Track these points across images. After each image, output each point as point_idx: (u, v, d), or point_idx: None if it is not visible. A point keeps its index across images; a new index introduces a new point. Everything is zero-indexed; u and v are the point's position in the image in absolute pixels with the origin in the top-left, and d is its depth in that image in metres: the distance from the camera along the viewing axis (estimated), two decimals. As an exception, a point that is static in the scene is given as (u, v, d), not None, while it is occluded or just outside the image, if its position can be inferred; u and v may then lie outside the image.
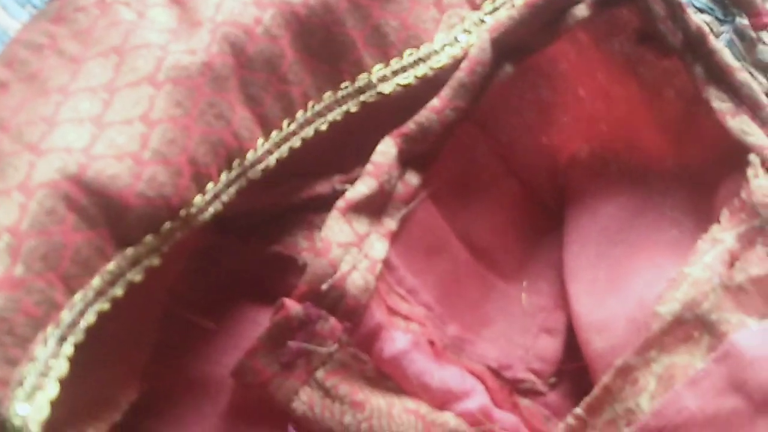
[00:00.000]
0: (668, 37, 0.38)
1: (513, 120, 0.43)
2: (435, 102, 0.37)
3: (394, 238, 0.36)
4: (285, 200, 0.37)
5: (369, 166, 0.36)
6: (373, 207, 0.36)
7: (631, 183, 0.43)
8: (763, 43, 0.45)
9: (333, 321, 0.34)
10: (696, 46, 0.38)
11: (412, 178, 0.37)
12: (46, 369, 0.27)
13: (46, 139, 0.30)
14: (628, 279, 0.38)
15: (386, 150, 0.36)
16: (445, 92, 0.37)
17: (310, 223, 0.37)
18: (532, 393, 0.39)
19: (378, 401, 0.35)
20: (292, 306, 0.33)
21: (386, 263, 0.36)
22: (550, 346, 0.40)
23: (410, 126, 0.36)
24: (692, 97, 0.39)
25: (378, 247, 0.35)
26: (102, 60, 0.32)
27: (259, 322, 0.37)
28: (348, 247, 0.34)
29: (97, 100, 0.31)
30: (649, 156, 0.42)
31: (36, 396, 0.26)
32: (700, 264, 0.34)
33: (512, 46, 0.38)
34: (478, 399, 0.36)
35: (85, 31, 0.34)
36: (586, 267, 0.40)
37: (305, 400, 0.34)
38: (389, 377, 0.35)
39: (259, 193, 0.35)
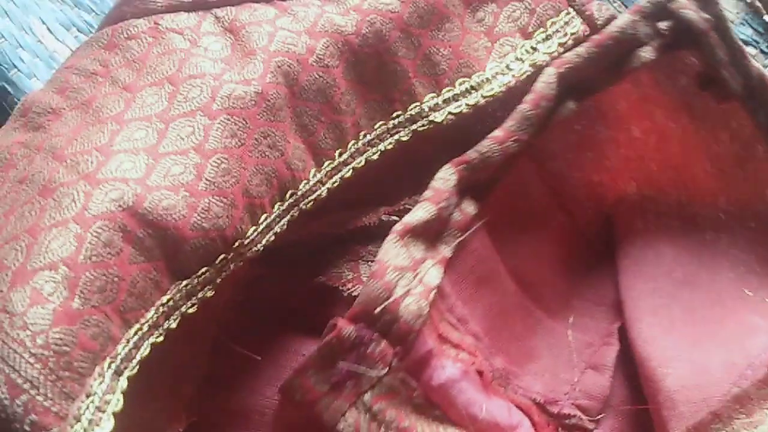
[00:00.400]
0: (730, 82, 0.38)
1: (567, 155, 0.42)
2: (498, 132, 0.36)
3: (448, 265, 0.36)
4: (331, 231, 0.37)
5: (428, 192, 0.35)
6: (429, 233, 0.35)
7: (682, 222, 0.42)
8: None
9: (384, 344, 0.33)
10: (758, 92, 0.38)
11: (469, 207, 0.37)
12: (102, 404, 0.27)
13: (102, 169, 0.29)
14: (713, 320, 0.38)
15: (446, 177, 0.36)
16: (509, 124, 0.36)
17: (356, 254, 0.37)
18: (578, 429, 0.39)
19: (423, 429, 0.34)
20: (345, 326, 0.33)
21: (439, 290, 0.35)
22: (598, 382, 0.39)
23: (472, 155, 0.36)
24: (748, 139, 0.39)
25: (433, 273, 0.35)
26: (156, 89, 0.32)
27: (302, 353, 0.36)
28: (403, 271, 0.34)
29: (152, 129, 0.31)
30: (700, 195, 0.42)
31: (93, 431, 0.26)
32: None
33: (576, 83, 0.37)
34: (524, 434, 0.36)
35: (138, 59, 0.33)
36: (660, 307, 0.39)
37: (351, 422, 0.33)
38: (437, 405, 0.35)
39: (306, 224, 0.35)
